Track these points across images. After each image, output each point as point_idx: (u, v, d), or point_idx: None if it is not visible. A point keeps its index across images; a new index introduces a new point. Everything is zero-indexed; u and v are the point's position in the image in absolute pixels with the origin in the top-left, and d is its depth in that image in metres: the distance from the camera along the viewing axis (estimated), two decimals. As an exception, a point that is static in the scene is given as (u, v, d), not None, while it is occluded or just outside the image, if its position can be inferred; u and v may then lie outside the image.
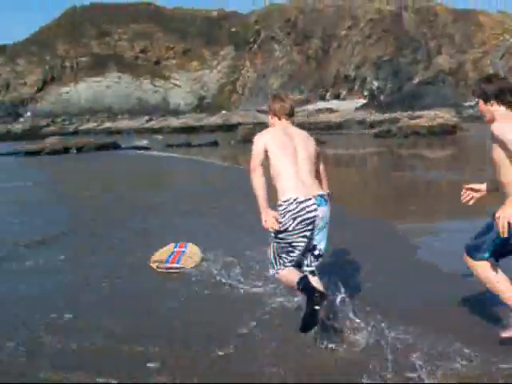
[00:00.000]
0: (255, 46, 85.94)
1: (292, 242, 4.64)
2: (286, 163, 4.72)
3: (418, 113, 46.90)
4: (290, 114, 5.11)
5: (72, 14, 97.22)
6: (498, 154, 4.14)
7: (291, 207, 4.57)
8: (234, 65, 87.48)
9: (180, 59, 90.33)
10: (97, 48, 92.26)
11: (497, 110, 4.30)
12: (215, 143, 36.09)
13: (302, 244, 4.67)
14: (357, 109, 61.15)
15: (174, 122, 61.24)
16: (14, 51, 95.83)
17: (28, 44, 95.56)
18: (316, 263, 4.85)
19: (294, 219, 4.57)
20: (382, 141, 35.69)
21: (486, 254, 4.36)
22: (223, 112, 66.18)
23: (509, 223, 3.95)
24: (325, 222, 4.69)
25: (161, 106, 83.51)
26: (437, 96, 66.52)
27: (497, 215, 4.02)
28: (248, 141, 35.13)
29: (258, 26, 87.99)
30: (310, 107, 65.33)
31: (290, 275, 4.69)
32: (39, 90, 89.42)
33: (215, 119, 60.14)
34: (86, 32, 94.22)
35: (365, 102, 67.82)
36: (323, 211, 4.63)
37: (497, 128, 4.13)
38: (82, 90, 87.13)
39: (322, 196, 4.67)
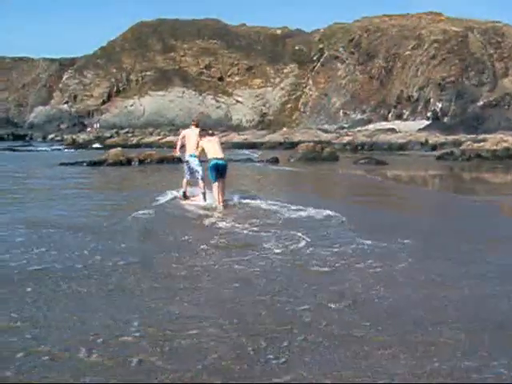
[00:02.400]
0: (318, 64, 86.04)
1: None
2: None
3: (481, 136, 46.13)
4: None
5: (139, 29, 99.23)
6: None
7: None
8: (296, 83, 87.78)
9: (243, 76, 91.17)
10: (162, 63, 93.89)
11: None
12: (276, 160, 36.09)
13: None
14: (419, 130, 60.47)
15: (236, 137, 61.65)
16: (82, 64, 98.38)
17: (95, 57, 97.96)
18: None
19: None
20: (445, 163, 35.19)
21: None
22: (284, 129, 66.31)
23: None
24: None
25: (223, 121, 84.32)
26: (502, 119, 65.36)
27: None
28: (309, 159, 35.34)
29: (321, 44, 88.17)
30: (372, 127, 65.01)
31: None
32: (104, 102, 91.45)
33: (276, 136, 60.30)
34: (151, 46, 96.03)
35: (428, 123, 67.06)
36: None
37: None
38: (146, 104, 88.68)
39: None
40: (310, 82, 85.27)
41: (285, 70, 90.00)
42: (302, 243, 9.22)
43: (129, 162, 32.11)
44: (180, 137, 15.67)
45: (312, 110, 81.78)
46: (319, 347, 5.04)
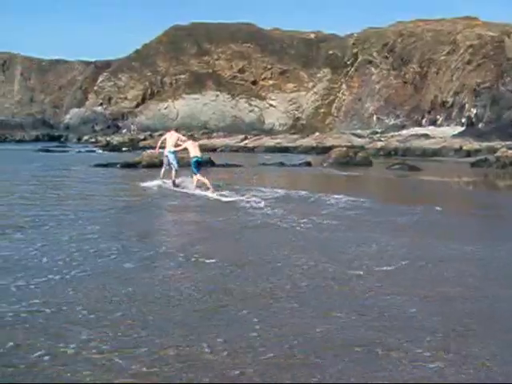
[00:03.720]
0: (352, 69, 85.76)
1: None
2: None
3: (517, 143, 45.64)
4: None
5: (173, 33, 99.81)
6: None
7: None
8: (329, 87, 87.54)
9: (277, 80, 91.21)
10: (196, 66, 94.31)
11: None
12: (308, 164, 36.16)
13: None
14: (453, 136, 59.93)
15: (269, 141, 61.72)
16: (117, 67, 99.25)
17: (130, 60, 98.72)
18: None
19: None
20: (479, 170, 34.91)
21: None
22: (317, 134, 66.20)
23: None
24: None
25: (256, 125, 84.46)
26: (538, 126, 64.48)
27: None
28: (342, 163, 35.30)
29: (355, 49, 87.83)
30: (405, 132, 64.63)
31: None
32: (139, 104, 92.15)
33: (309, 141, 60.24)
34: (186, 50, 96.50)
35: (462, 129, 66.42)
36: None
37: None
38: (180, 107, 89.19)
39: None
40: (344, 86, 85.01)
41: (318, 75, 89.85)
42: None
43: (162, 163, 32.40)
44: (162, 138, 22.56)
45: (345, 114, 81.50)
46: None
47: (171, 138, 21.41)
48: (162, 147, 22.01)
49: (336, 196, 18.37)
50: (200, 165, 19.79)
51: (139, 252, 9.51)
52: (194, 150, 19.73)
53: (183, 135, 23.43)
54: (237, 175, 27.02)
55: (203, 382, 4.78)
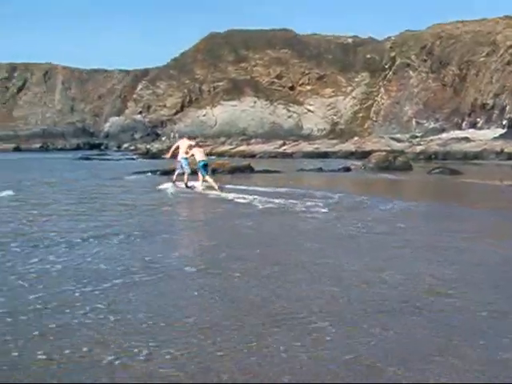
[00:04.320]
0: (390, 72, 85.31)
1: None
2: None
3: (560, 145, 44.93)
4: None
5: (211, 40, 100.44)
6: None
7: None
8: (368, 91, 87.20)
9: (314, 85, 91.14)
10: (234, 73, 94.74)
11: None
12: (347, 169, 36.07)
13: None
14: (494, 139, 59.18)
15: (307, 147, 61.63)
16: (156, 75, 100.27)
17: (168, 68, 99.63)
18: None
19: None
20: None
21: None
22: (356, 138, 65.92)
23: None
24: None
25: (294, 130, 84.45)
26: None
27: None
28: (382, 168, 35.15)
29: (393, 52, 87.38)
30: (445, 136, 63.99)
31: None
32: (177, 112, 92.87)
33: (347, 145, 60.01)
34: (223, 57, 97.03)
35: (503, 131, 65.54)
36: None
37: None
38: (218, 113, 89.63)
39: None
40: (382, 90, 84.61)
41: (356, 79, 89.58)
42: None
43: (198, 171, 32.66)
44: (175, 145, 24.75)
45: (384, 118, 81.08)
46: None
47: (183, 145, 23.78)
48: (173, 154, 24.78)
49: (395, 201, 18.60)
50: (206, 167, 22.64)
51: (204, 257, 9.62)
52: (200, 156, 22.66)
53: (195, 141, 26.84)
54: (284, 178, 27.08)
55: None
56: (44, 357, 5.35)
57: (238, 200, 18.81)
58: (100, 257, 9.51)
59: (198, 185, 22.82)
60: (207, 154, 25.44)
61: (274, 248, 10.59)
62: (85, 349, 5.52)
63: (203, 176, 22.51)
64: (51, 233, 11.84)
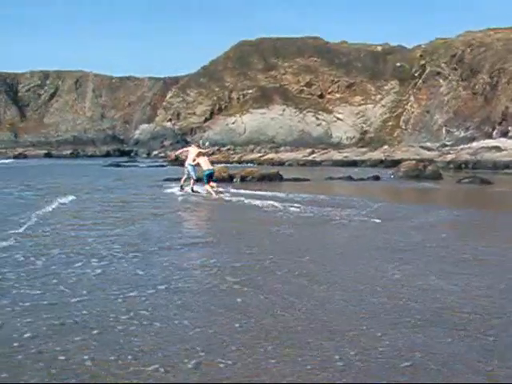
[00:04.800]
0: (420, 80, 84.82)
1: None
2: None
3: None
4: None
5: (240, 48, 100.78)
6: None
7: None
8: (397, 99, 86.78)
9: (344, 93, 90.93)
10: (263, 81, 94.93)
11: None
12: (377, 178, 35.94)
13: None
14: (526, 148, 58.47)
15: (336, 155, 61.50)
16: (186, 83, 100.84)
17: (198, 76, 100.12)
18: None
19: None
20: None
21: None
22: (385, 147, 65.63)
23: None
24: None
25: (323, 139, 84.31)
26: None
27: None
28: (411, 177, 35.05)
29: (423, 60, 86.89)
30: (475, 145, 63.43)
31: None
32: (207, 119, 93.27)
33: (377, 154, 59.77)
34: (253, 65, 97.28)
35: (535, 140, 64.78)
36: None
37: None
38: (247, 121, 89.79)
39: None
40: (412, 98, 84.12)
41: (386, 87, 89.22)
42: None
43: (231, 178, 32.80)
44: (185, 149, 28.31)
45: (413, 127, 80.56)
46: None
47: (192, 152, 25.29)
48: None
49: (437, 210, 18.82)
50: (212, 175, 24.48)
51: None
52: (205, 165, 24.38)
53: (205, 151, 27.37)
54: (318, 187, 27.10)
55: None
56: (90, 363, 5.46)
57: (270, 206, 18.87)
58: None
59: (202, 190, 24.59)
60: (212, 163, 26.90)
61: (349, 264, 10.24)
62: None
63: (206, 183, 24.31)
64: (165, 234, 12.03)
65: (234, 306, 7.31)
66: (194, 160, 24.78)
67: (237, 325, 6.55)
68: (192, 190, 24.76)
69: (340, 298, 7.69)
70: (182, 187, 25.40)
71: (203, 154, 25.44)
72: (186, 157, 25.74)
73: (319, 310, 7.14)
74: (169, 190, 25.83)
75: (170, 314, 6.90)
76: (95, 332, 6.27)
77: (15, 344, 5.87)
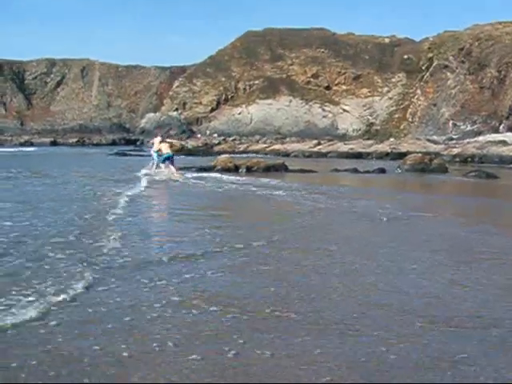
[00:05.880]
0: (427, 73, 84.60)
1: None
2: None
3: None
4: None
5: (247, 38, 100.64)
6: None
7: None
8: (404, 92, 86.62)
9: (350, 85, 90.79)
10: (270, 71, 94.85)
11: None
12: (382, 170, 35.84)
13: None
14: (533, 142, 58.28)
15: (342, 147, 61.37)
16: (192, 72, 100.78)
17: (205, 66, 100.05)
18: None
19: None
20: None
21: None
22: (391, 140, 65.53)
23: None
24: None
25: (329, 130, 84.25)
26: None
27: None
28: (417, 170, 34.97)
29: (430, 53, 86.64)
30: (482, 139, 63.27)
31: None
32: (213, 109, 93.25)
33: (383, 146, 59.59)
34: (260, 56, 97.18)
35: (542, 135, 64.59)
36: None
37: None
38: (254, 112, 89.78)
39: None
40: (419, 91, 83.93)
41: (393, 80, 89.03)
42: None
43: (236, 168, 32.81)
44: (152, 141, 33.50)
45: (420, 120, 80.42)
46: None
47: (156, 141, 30.98)
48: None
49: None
50: (170, 158, 29.33)
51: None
52: (165, 149, 29.52)
53: (162, 138, 33.04)
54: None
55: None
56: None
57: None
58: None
59: (164, 171, 29.07)
60: (171, 147, 31.85)
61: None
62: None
63: (164, 164, 29.51)
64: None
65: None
66: (158, 148, 30.08)
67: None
68: (155, 171, 29.50)
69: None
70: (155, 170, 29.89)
71: (165, 142, 31.00)
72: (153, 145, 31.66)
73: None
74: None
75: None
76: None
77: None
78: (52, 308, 6.52)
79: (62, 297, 6.91)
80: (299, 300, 7.10)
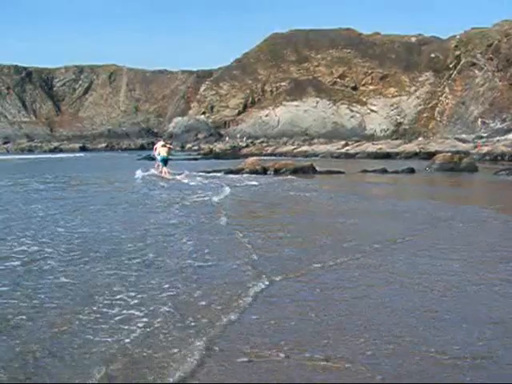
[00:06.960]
0: (455, 71, 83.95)
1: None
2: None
3: None
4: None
5: (273, 40, 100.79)
6: None
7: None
8: (432, 91, 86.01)
9: (377, 85, 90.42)
10: (296, 73, 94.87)
11: None
12: (412, 170, 35.61)
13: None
14: None
15: (370, 147, 61.05)
16: (219, 76, 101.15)
17: (231, 69, 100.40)
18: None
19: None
20: None
21: None
22: (420, 139, 65.11)
23: None
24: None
25: (357, 131, 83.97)
26: None
27: None
28: (446, 169, 34.70)
29: (458, 51, 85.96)
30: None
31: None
32: (240, 112, 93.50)
33: (412, 146, 59.15)
34: (286, 57, 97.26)
35: None
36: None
37: None
38: (281, 114, 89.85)
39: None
40: (447, 90, 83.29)
41: (420, 79, 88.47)
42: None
43: (264, 170, 32.80)
44: (155, 146, 35.01)
45: (449, 118, 79.79)
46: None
47: (158, 145, 33.52)
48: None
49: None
50: (165, 161, 31.76)
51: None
52: (162, 152, 31.93)
53: (164, 142, 35.82)
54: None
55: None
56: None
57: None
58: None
59: (160, 172, 31.54)
60: (170, 150, 34.42)
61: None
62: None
63: (162, 166, 31.71)
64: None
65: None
66: (158, 151, 32.64)
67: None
68: (156, 172, 32.26)
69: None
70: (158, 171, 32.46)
71: (165, 146, 33.13)
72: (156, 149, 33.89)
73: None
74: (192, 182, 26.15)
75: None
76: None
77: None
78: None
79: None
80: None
